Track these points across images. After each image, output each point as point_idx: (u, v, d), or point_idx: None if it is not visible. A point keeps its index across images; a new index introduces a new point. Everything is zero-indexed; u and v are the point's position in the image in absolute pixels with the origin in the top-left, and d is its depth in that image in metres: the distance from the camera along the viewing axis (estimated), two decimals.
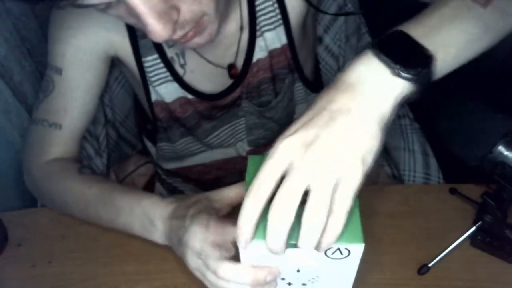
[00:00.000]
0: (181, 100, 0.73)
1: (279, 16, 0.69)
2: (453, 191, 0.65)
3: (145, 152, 0.98)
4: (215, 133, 0.79)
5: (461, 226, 0.58)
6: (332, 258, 0.41)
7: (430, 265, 0.55)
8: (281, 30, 0.70)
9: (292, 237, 0.37)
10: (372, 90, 0.40)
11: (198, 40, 0.54)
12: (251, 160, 0.47)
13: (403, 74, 0.40)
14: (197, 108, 0.74)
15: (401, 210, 0.64)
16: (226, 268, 0.44)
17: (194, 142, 0.80)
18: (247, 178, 0.45)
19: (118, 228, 0.60)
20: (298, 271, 0.43)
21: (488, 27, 0.44)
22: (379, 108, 0.40)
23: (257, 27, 0.69)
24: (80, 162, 0.69)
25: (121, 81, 0.85)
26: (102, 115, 0.79)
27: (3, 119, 0.76)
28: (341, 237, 0.38)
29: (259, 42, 0.70)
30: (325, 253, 0.40)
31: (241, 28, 0.68)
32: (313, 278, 0.44)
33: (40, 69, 0.89)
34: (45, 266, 0.60)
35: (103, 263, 0.60)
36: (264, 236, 0.37)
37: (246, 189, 0.39)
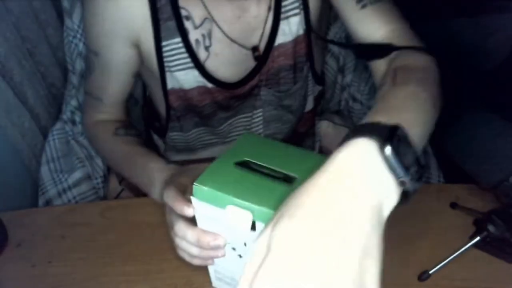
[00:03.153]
0: (200, 89, 0.72)
1: (301, 1, 0.68)
2: (453, 205, 0.63)
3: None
4: (229, 121, 0.79)
5: (461, 226, 0.58)
6: None
7: (431, 272, 0.55)
8: (302, 17, 0.70)
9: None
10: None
11: None
12: (245, 136, 0.49)
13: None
14: (215, 98, 0.74)
15: (401, 210, 0.64)
16: (180, 226, 0.49)
17: (207, 133, 0.80)
18: (231, 149, 0.46)
19: (136, 184, 0.70)
20: (245, 244, 0.44)
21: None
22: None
23: (282, 10, 0.68)
24: (120, 122, 0.78)
25: None
26: None
27: (4, 119, 0.76)
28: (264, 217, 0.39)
29: (283, 26, 0.69)
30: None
31: (269, 9, 0.68)
32: None
33: (40, 69, 0.89)
34: (45, 266, 0.60)
35: (103, 263, 0.60)
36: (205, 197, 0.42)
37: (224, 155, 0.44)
